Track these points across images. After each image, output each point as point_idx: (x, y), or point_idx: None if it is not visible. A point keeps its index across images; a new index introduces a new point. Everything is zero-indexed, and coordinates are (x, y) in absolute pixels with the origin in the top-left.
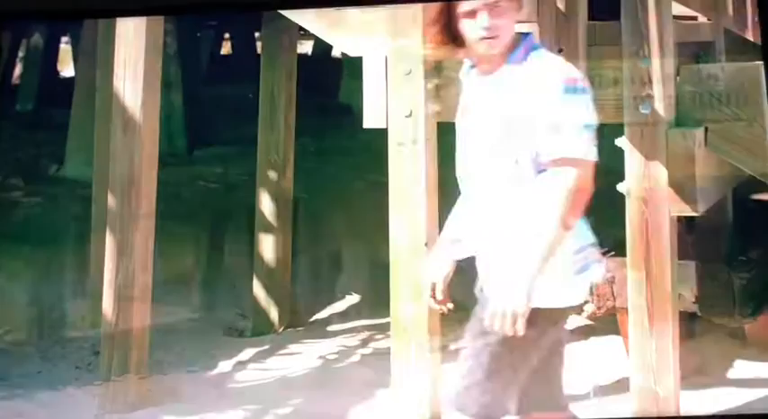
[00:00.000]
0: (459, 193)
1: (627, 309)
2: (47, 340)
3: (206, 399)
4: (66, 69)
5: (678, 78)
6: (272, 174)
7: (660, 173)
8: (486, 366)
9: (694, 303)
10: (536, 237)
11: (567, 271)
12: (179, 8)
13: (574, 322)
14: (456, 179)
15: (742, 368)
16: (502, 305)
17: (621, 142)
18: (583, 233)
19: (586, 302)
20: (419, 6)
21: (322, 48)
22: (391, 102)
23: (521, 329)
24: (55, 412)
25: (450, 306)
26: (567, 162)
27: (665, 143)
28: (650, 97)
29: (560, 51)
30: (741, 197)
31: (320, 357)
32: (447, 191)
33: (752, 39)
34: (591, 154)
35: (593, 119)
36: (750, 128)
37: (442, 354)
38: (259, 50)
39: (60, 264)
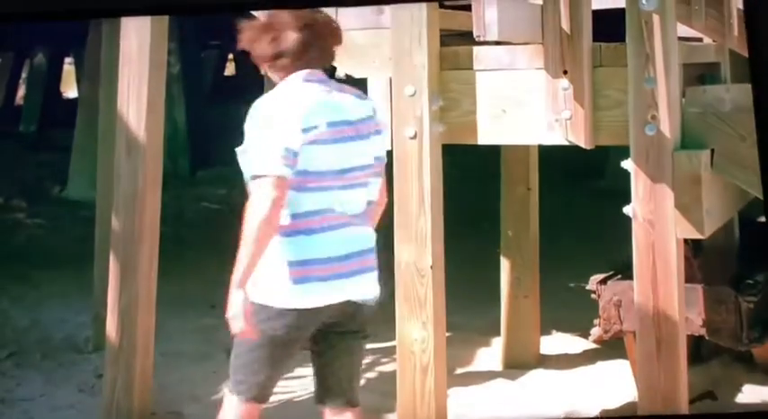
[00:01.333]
0: (459, 214)
1: (634, 333)
2: (50, 363)
3: None
4: (70, 90)
5: (683, 100)
6: None
7: (666, 195)
8: (250, 355)
9: (701, 326)
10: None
11: (282, 278)
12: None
13: (581, 345)
14: (461, 199)
15: (750, 392)
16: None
17: (627, 164)
18: (306, 248)
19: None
20: (424, 28)
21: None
22: (395, 123)
23: (238, 327)
24: None
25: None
26: (259, 177)
27: (671, 165)
28: (655, 119)
29: (565, 73)
30: (748, 219)
31: None
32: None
33: None
34: (281, 170)
35: (286, 141)
36: (756, 149)
37: (449, 378)
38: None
39: (63, 286)
